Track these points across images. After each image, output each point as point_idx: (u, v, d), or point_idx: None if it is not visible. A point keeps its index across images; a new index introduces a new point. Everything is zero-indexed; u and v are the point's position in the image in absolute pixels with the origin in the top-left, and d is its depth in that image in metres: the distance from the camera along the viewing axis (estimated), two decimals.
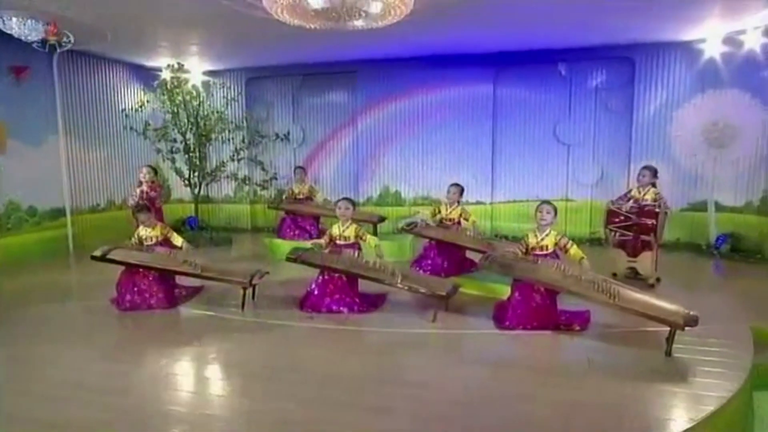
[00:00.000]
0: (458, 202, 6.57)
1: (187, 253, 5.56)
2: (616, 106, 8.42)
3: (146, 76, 9.35)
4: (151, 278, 5.41)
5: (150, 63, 9.14)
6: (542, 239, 4.80)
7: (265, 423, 3.16)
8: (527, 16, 6.71)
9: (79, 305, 5.61)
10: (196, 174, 8.56)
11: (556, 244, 4.77)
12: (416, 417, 3.18)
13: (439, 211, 6.53)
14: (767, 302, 5.55)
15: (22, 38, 5.99)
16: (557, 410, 3.23)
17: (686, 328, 3.86)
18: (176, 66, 8.25)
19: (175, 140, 8.43)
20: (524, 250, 4.87)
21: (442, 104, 9.18)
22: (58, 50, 6.43)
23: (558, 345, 4.34)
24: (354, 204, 5.59)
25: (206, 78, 9.30)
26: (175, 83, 8.28)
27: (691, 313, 3.86)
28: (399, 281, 4.93)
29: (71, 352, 4.27)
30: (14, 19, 5.96)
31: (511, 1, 5.97)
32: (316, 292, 5.24)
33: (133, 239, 5.69)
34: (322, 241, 5.53)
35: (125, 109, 8.58)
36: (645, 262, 5.93)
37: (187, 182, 8.62)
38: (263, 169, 9.19)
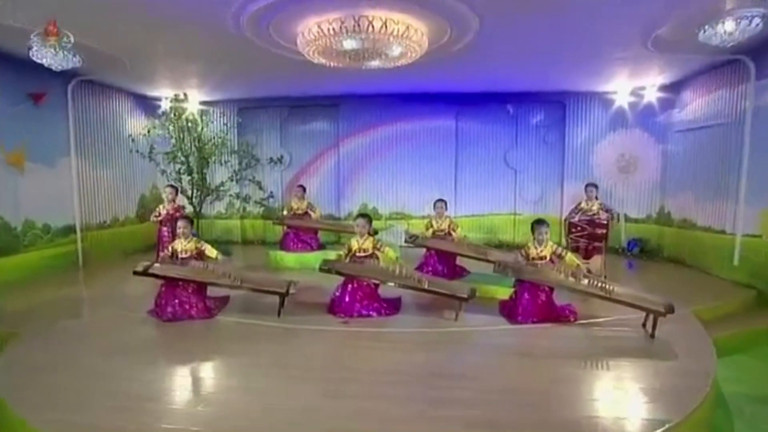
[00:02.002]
0: (443, 214, 6.62)
1: (223, 264, 5.14)
2: (552, 139, 8.99)
3: (148, 104, 8.63)
4: (190, 290, 4.94)
5: (152, 93, 8.42)
6: (541, 251, 4.96)
7: (365, 421, 2.94)
8: (486, 66, 7.01)
9: (119, 317, 4.92)
10: (199, 193, 7.93)
11: (552, 253, 4.99)
12: (479, 406, 3.10)
13: (432, 225, 6.56)
14: (681, 291, 6.13)
15: (52, 67, 5.24)
16: (596, 387, 3.36)
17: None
18: (182, 96, 7.63)
19: (182, 162, 7.74)
20: (525, 257, 5.05)
21: (413, 134, 9.24)
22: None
23: (564, 334, 4.43)
24: (371, 221, 5.40)
25: (202, 107, 8.67)
26: (180, 112, 7.66)
27: (669, 303, 4.25)
28: (426, 285, 4.90)
29: (135, 365, 3.74)
30: (43, 49, 5.20)
31: (481, 52, 6.22)
32: (347, 299, 5.02)
33: (165, 252, 5.17)
34: (341, 253, 5.36)
35: (132, 134, 7.80)
36: (596, 263, 6.35)
37: (190, 201, 7.95)
38: (261, 188, 8.70)
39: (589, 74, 7.60)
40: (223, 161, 8.45)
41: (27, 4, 4.43)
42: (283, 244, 7.52)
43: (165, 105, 8.44)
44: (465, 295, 4.76)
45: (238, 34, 5.21)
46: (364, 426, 2.90)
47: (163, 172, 7.90)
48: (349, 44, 4.85)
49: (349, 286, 5.07)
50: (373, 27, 4.55)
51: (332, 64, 5.53)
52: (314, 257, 7.42)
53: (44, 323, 4.65)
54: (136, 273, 4.81)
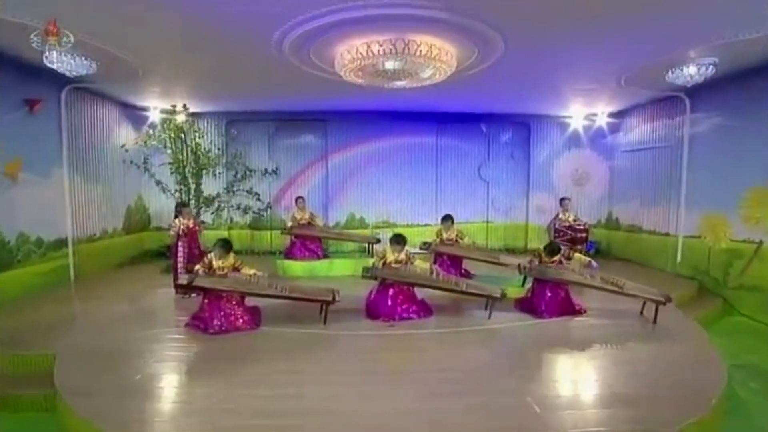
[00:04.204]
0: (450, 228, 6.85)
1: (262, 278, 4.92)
2: (519, 156, 9.68)
3: (135, 115, 7.92)
4: (234, 302, 4.69)
5: (140, 103, 7.72)
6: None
7: (500, 417, 3.01)
8: (463, 91, 7.32)
9: (155, 333, 4.49)
10: (196, 204, 7.42)
11: (561, 255, 5.51)
12: (566, 388, 3.39)
13: (441, 234, 6.82)
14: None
15: (67, 73, 4.71)
16: (636, 367, 3.75)
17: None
18: (181, 107, 7.13)
19: (181, 173, 7.20)
20: (538, 261, 5.52)
21: (397, 149, 9.42)
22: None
23: (586, 325, 4.86)
24: (405, 242, 5.31)
25: (189, 119, 8.12)
26: (175, 122, 7.16)
27: (666, 294, 4.96)
28: (464, 287, 5.15)
29: (211, 381, 3.48)
30: (55, 53, 4.64)
31: (481, 78, 6.60)
32: (389, 303, 5.07)
33: (199, 267, 4.80)
34: (375, 260, 5.40)
35: (125, 145, 7.09)
36: (575, 263, 7.09)
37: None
38: (259, 199, 8.35)
39: (548, 101, 8.37)
40: (216, 173, 8.00)
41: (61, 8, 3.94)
42: (290, 253, 7.31)
43: (154, 116, 7.84)
44: (498, 295, 5.09)
45: (278, 51, 5.10)
46: (507, 423, 2.93)
47: (159, 183, 7.29)
48: (390, 65, 4.98)
49: (390, 291, 5.13)
50: (421, 51, 4.75)
51: (361, 81, 5.60)
52: (320, 265, 7.37)
53: (77, 344, 4.10)
54: (181, 286, 4.51)
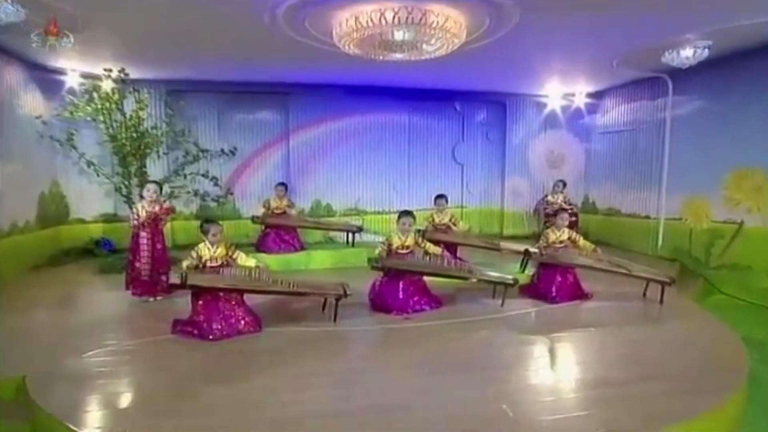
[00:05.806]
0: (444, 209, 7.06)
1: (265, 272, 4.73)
2: (494, 137, 10.19)
3: (46, 79, 7.00)
4: (233, 302, 4.53)
5: (53, 64, 6.84)
6: (560, 235, 5.89)
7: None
8: (437, 67, 7.16)
9: (143, 343, 4.20)
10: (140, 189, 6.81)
11: (568, 238, 5.94)
12: (600, 367, 3.79)
13: (433, 219, 7.00)
14: None
15: None
16: (664, 347, 4.27)
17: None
18: (119, 74, 6.47)
19: (125, 153, 6.52)
20: (546, 244, 5.90)
21: (367, 128, 9.44)
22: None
23: (600, 307, 5.36)
24: (414, 218, 5.48)
25: (130, 87, 7.36)
26: (110, 91, 6.48)
27: (670, 275, 5.59)
28: (477, 275, 5.37)
29: (251, 388, 3.38)
30: None
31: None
32: (401, 296, 5.18)
33: (188, 261, 4.46)
34: (380, 250, 5.42)
35: (41, 116, 6.21)
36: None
37: (126, 199, 6.77)
38: (217, 184, 7.86)
39: (524, 79, 8.79)
40: (160, 153, 7.40)
41: None
42: (262, 246, 7.09)
43: (72, 80, 7.01)
44: (511, 282, 5.39)
45: (271, 17, 4.87)
46: (569, 403, 3.22)
47: (91, 164, 6.57)
48: (400, 35, 4.98)
49: (401, 283, 5.22)
50: (438, 22, 4.79)
51: (357, 52, 5.54)
52: (297, 258, 7.23)
53: (42, 363, 3.69)
54: (174, 286, 4.21)
